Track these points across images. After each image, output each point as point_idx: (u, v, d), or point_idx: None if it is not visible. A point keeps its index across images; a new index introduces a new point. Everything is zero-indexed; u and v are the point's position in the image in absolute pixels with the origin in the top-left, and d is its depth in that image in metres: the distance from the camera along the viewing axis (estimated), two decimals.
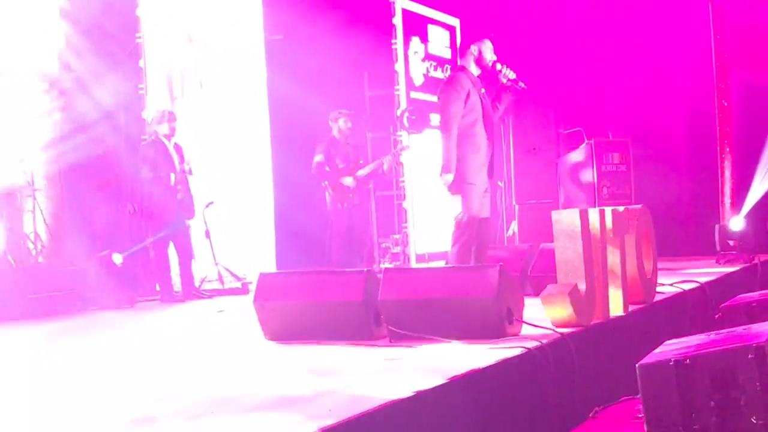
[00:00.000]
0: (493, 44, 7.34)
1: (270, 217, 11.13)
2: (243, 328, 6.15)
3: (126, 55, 9.72)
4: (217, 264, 9.87)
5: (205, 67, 10.50)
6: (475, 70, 7.32)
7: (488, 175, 7.34)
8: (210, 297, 9.37)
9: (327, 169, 9.94)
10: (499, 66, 7.31)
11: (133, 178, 9.44)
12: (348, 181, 9.99)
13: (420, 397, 3.71)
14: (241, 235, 10.68)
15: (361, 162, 10.26)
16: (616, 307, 5.92)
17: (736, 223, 11.58)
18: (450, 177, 7.10)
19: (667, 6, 12.58)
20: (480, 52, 7.30)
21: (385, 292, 5.39)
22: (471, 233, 7.12)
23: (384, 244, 11.29)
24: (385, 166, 10.34)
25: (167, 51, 10.08)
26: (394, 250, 11.15)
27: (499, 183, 11.20)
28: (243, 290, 9.51)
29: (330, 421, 3.22)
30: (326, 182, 10.01)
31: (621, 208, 6.30)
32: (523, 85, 7.32)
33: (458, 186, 7.11)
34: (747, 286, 9.06)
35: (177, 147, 9.38)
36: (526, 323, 5.23)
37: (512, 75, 7.32)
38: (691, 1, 12.59)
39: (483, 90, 7.31)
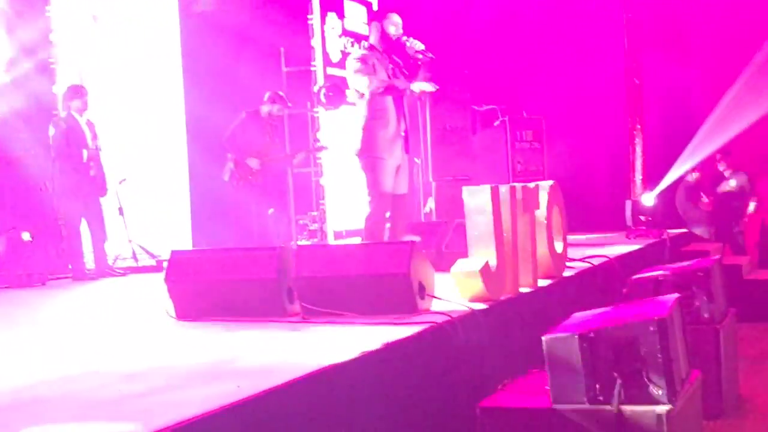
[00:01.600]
0: (402, 19, 7.38)
1: (186, 195, 11.01)
2: (155, 307, 6.09)
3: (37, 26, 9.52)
4: (130, 241, 9.76)
5: (116, 47, 10.32)
6: (380, 46, 7.35)
7: (404, 151, 7.38)
8: (123, 275, 9.26)
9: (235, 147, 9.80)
10: (405, 38, 7.35)
11: (44, 154, 9.27)
12: (253, 162, 9.81)
13: (332, 371, 3.74)
14: (156, 212, 10.56)
15: (276, 145, 10.16)
16: (526, 281, 6.01)
17: (648, 198, 11.82)
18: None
19: None
20: (383, 28, 7.34)
21: (298, 269, 5.39)
22: (384, 209, 7.17)
23: (301, 221, 11.25)
24: (296, 161, 10.29)
25: (75, 28, 9.89)
26: (312, 227, 11.12)
27: (416, 160, 11.24)
28: (158, 268, 9.40)
29: (239, 397, 3.23)
30: (231, 155, 9.87)
31: (532, 185, 6.40)
32: (431, 56, 7.38)
33: (368, 162, 7.16)
34: (656, 260, 9.27)
35: (89, 123, 9.24)
36: (438, 298, 5.28)
37: (420, 46, 7.37)
38: None
39: (391, 66, 7.35)
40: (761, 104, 12.72)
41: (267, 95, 10.04)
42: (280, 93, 10.18)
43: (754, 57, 12.83)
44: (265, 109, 9.99)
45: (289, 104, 10.26)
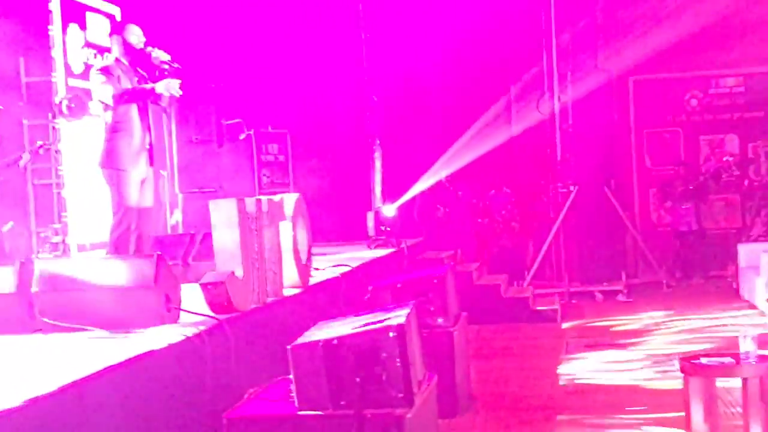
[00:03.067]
0: (142, 30, 7.24)
1: None
2: None
3: None
4: None
5: None
6: (125, 59, 7.18)
7: (149, 163, 7.22)
8: None
9: None
10: (149, 49, 7.22)
11: None
12: None
13: (73, 387, 3.59)
14: None
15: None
16: (272, 291, 6.01)
17: (388, 210, 12.11)
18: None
19: (323, 5, 12.91)
20: (124, 40, 7.18)
21: (40, 283, 5.16)
22: (129, 222, 6.98)
23: (43, 234, 10.71)
24: (21, 163, 9.89)
25: None
26: (54, 240, 10.61)
27: (162, 172, 11.03)
28: None
29: None
30: None
31: (277, 197, 6.42)
32: (177, 65, 7.28)
33: (112, 174, 6.96)
34: (395, 268, 9.53)
35: None
36: (185, 311, 5.19)
37: (165, 57, 7.26)
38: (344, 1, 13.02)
39: (137, 79, 7.17)
40: (493, 133, 13.59)
41: None
42: None
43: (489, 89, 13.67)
44: None
45: (0, 107, 9.76)
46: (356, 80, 13.11)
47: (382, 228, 11.63)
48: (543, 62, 13.85)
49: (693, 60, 14.24)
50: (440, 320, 7.05)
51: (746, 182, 14.33)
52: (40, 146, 10.08)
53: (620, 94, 14.52)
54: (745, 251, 12.28)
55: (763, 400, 5.59)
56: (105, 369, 3.88)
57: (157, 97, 7.28)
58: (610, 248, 13.76)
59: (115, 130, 6.99)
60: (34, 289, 5.11)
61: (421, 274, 7.47)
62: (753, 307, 11.20)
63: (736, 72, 14.44)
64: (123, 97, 7.00)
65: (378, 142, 12.87)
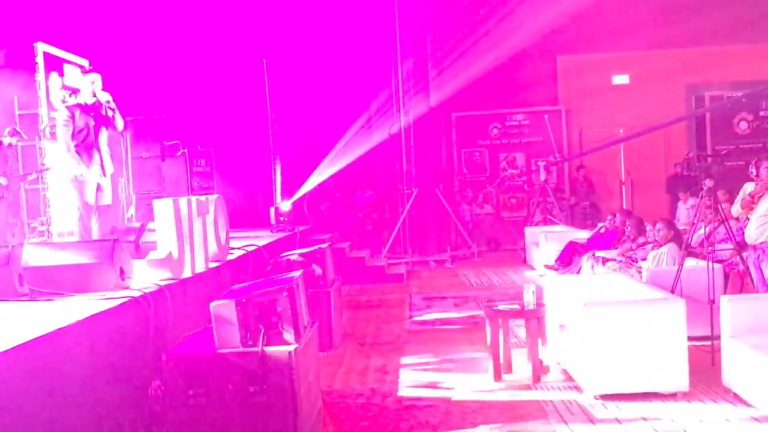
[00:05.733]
0: (101, 76, 7.01)
1: None
2: None
3: None
4: None
5: None
6: (84, 99, 6.96)
7: (102, 173, 6.97)
8: None
9: None
10: (100, 93, 7.01)
11: None
12: (2, 180, 9.00)
13: (52, 336, 3.46)
14: None
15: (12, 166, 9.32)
16: (200, 265, 5.89)
17: (285, 205, 12.00)
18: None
19: (241, 68, 12.66)
20: (88, 84, 6.94)
21: (28, 260, 4.91)
22: (89, 215, 6.73)
23: (32, 225, 10.21)
24: (30, 178, 9.58)
25: None
26: (41, 229, 10.13)
27: (120, 179, 10.66)
28: None
29: None
30: None
31: (203, 197, 6.27)
32: (114, 105, 7.06)
33: (75, 181, 6.72)
34: (290, 247, 9.44)
35: None
36: (135, 279, 5.03)
37: (107, 96, 7.05)
38: (249, 38, 12.76)
39: (93, 114, 6.92)
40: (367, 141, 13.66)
41: (7, 130, 9.21)
42: (17, 128, 9.36)
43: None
44: (6, 140, 9.14)
45: (25, 136, 9.45)
46: (262, 114, 12.94)
47: (281, 218, 11.52)
48: (393, 102, 13.99)
49: (494, 101, 14.62)
50: (321, 282, 7.05)
51: (526, 186, 14.82)
52: (44, 169, 9.76)
53: (446, 124, 14.76)
54: (529, 232, 12.68)
55: (539, 333, 5.80)
56: (75, 322, 3.73)
57: (112, 123, 7.04)
58: (439, 231, 14.02)
59: (76, 150, 6.76)
60: (23, 264, 4.87)
61: (309, 251, 7.44)
62: (533, 269, 11.59)
63: (523, 110, 14.87)
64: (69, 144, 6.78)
65: (278, 157, 12.74)
